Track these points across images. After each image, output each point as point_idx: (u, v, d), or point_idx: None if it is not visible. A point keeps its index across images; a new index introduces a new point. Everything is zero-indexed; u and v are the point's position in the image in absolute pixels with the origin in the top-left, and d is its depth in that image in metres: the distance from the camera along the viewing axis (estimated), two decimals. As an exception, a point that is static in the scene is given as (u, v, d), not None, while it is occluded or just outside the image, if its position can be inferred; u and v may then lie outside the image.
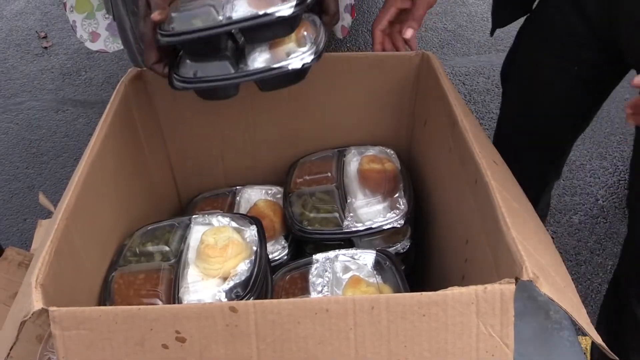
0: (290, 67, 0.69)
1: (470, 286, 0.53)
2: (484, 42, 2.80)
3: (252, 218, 0.77)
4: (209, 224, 0.75)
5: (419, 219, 0.90)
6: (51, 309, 0.50)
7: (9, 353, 0.53)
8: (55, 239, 0.58)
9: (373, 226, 0.81)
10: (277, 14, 0.66)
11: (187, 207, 0.99)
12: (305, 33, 0.71)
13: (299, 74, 0.73)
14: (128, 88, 0.83)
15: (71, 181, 0.66)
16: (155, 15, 0.67)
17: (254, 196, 0.94)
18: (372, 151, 0.95)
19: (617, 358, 0.58)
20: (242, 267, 0.67)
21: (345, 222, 0.82)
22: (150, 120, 0.89)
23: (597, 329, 1.18)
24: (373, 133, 0.98)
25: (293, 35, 0.71)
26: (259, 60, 0.70)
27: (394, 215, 0.83)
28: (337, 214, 0.84)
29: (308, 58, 0.69)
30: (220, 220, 0.75)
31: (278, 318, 0.52)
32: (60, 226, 0.60)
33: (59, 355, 0.52)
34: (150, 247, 0.74)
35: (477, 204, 0.70)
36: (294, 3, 0.66)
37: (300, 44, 0.71)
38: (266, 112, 0.94)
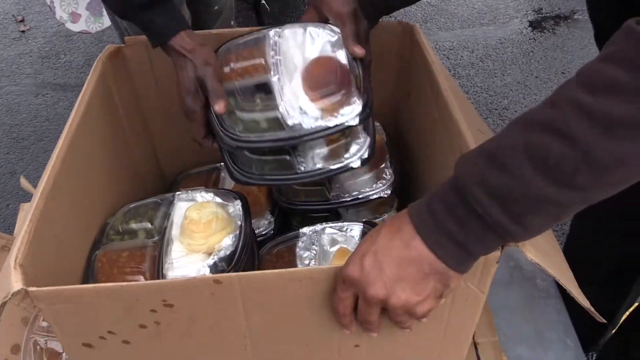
0: (350, 166, 0.69)
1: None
2: (468, 16, 2.79)
3: (236, 193, 0.76)
4: (193, 200, 0.74)
5: (405, 189, 0.90)
6: (30, 289, 0.49)
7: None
8: (34, 219, 0.57)
9: (360, 196, 0.80)
10: (347, 124, 0.65)
11: (171, 185, 0.98)
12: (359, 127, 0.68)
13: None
14: (106, 65, 0.81)
15: (50, 161, 0.64)
16: (220, 108, 0.68)
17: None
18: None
19: (604, 321, 0.58)
20: (226, 242, 0.67)
21: (332, 194, 0.81)
22: (130, 97, 0.87)
23: (610, 345, 1.14)
24: None
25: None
26: (318, 157, 0.69)
27: (381, 185, 0.83)
28: (323, 186, 0.83)
29: (365, 154, 0.68)
30: (203, 196, 0.74)
31: (264, 286, 0.51)
32: (39, 206, 0.58)
33: (51, 322, 0.52)
34: (133, 225, 0.73)
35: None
36: (359, 110, 0.64)
37: (354, 136, 0.69)
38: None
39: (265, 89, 0.68)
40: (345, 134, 0.70)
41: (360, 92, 0.67)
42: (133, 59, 0.85)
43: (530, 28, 2.68)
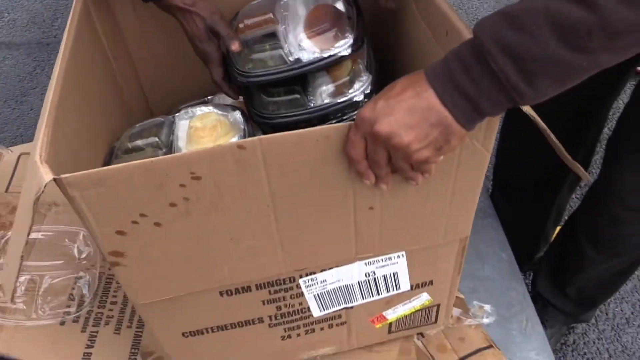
0: (354, 100, 0.74)
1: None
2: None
3: (233, 106, 0.79)
4: (193, 115, 0.77)
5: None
6: (63, 176, 0.52)
7: (28, 233, 0.54)
8: (48, 131, 0.56)
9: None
10: (340, 54, 0.73)
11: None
12: (360, 65, 0.75)
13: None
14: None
15: (46, 98, 0.62)
16: (236, 47, 0.77)
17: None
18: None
19: (589, 178, 0.63)
20: (233, 143, 0.69)
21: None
22: (113, 33, 0.88)
23: (545, 259, 1.26)
24: None
25: (350, 65, 0.75)
26: (325, 94, 0.75)
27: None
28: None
29: (367, 89, 0.74)
30: (203, 109, 0.77)
31: (283, 147, 0.55)
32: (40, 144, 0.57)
33: (84, 211, 0.54)
34: (140, 142, 0.75)
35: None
36: (351, 42, 0.73)
37: (356, 74, 0.75)
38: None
39: (273, 36, 0.77)
40: (348, 72, 0.76)
41: (352, 28, 0.75)
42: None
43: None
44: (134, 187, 0.54)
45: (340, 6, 0.79)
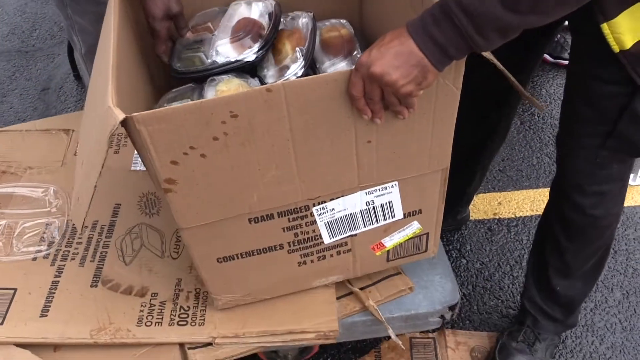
0: (244, 60, 0.94)
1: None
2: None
3: (251, 74, 0.94)
4: (220, 81, 0.93)
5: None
6: (134, 114, 0.67)
7: (102, 165, 0.68)
8: (112, 86, 0.72)
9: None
10: (245, 60, 0.92)
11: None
12: (297, 49, 0.94)
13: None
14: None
15: (106, 70, 0.77)
16: (183, 35, 1.01)
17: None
18: (327, 23, 1.11)
19: (543, 108, 0.80)
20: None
21: None
22: (138, 23, 1.02)
23: (530, 259, 1.36)
24: (324, 9, 1.15)
25: (289, 47, 0.95)
26: (270, 74, 0.96)
27: None
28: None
29: (300, 71, 0.92)
30: (227, 77, 0.93)
31: (300, 89, 0.72)
32: (111, 88, 0.72)
33: (147, 144, 0.69)
34: (175, 104, 0.90)
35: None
36: (256, 49, 0.93)
37: (294, 58, 0.94)
38: None
39: (203, 42, 0.97)
40: (287, 59, 0.95)
41: (263, 38, 0.94)
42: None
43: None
44: (186, 123, 0.70)
45: (262, 19, 0.98)
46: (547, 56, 2.25)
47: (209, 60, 0.93)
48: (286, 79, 0.89)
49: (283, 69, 0.93)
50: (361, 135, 0.81)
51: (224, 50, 0.93)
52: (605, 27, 0.88)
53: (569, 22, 1.04)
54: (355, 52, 1.06)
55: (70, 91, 2.30)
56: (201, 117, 0.70)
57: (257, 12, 1.00)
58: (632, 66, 0.91)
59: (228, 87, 0.89)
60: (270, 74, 0.96)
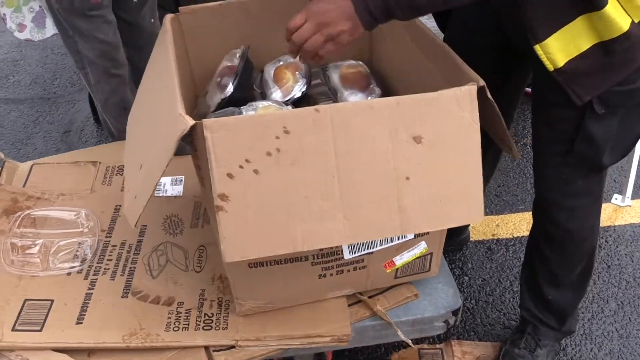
0: (296, 97, 1.14)
1: (451, 88, 0.88)
2: None
3: (285, 102, 1.06)
4: (257, 107, 1.04)
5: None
6: (204, 121, 0.77)
7: (167, 165, 0.79)
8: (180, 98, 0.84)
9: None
10: (227, 95, 1.14)
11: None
12: (297, 73, 1.15)
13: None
14: (173, 23, 1.11)
15: (172, 88, 0.90)
16: None
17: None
18: (346, 63, 1.27)
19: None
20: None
21: None
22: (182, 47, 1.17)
23: (522, 275, 1.46)
24: (345, 51, 1.29)
25: (291, 75, 1.15)
26: (277, 96, 1.16)
27: (373, 97, 1.16)
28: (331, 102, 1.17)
29: (304, 88, 1.15)
30: (264, 103, 1.05)
31: (343, 113, 0.83)
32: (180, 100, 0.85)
33: (210, 149, 0.79)
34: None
35: (437, 67, 1.05)
36: (231, 90, 1.13)
37: (296, 80, 1.15)
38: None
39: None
40: (290, 82, 1.18)
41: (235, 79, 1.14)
42: (184, 21, 1.16)
43: None
44: (245, 133, 0.80)
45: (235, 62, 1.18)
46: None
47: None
48: (292, 97, 1.05)
49: (288, 89, 1.10)
50: (400, 169, 0.86)
51: (212, 95, 1.14)
52: (537, 48, 0.98)
53: (517, 46, 1.13)
54: (372, 86, 1.19)
55: (90, 133, 2.46)
56: (257, 129, 0.79)
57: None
58: (566, 83, 1.01)
59: (266, 111, 1.00)
60: (278, 95, 1.10)
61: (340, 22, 0.89)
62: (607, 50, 0.97)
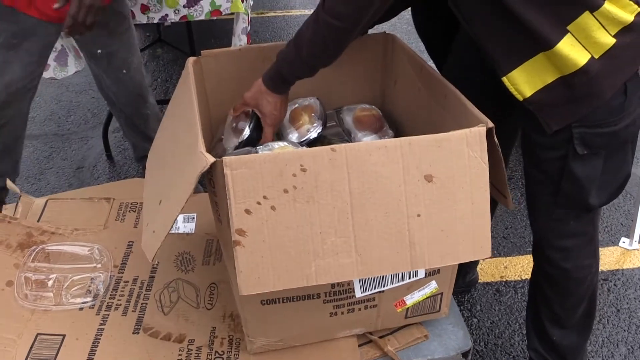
0: (311, 138, 1.21)
1: (461, 129, 0.91)
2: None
3: (298, 143, 1.10)
4: (273, 147, 1.08)
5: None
6: (225, 158, 0.80)
7: (186, 201, 0.81)
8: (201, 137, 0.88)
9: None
10: (244, 139, 1.18)
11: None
12: (313, 114, 1.21)
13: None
14: (194, 66, 1.16)
15: (194, 127, 0.94)
16: None
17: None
18: (359, 106, 1.32)
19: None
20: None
21: None
22: (202, 89, 1.21)
23: (527, 317, 1.43)
24: (358, 95, 1.36)
25: (307, 117, 1.20)
26: (293, 137, 1.22)
27: (386, 138, 1.20)
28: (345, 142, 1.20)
29: (320, 129, 1.21)
30: (280, 144, 1.09)
31: (358, 152, 0.86)
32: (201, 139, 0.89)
33: (229, 186, 0.81)
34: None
35: (446, 110, 1.08)
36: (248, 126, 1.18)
37: (312, 122, 1.20)
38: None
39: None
40: (306, 124, 1.24)
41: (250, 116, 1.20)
42: (205, 63, 1.22)
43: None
44: (264, 171, 0.83)
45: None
46: None
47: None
48: (308, 138, 1.11)
49: (304, 130, 1.16)
50: (411, 207, 0.90)
51: (228, 139, 1.20)
52: (504, 80, 1.03)
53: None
54: (385, 128, 1.23)
55: (102, 169, 2.50)
56: (276, 167, 0.83)
57: None
58: (537, 112, 1.05)
59: (283, 151, 1.03)
60: (294, 136, 1.14)
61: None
62: (568, 84, 1.00)
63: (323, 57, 1.07)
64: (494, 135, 0.92)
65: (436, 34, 1.55)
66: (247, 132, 1.16)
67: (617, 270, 1.92)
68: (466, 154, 0.91)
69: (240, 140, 1.16)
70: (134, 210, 1.53)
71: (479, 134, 0.91)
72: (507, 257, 1.97)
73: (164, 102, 2.24)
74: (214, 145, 1.25)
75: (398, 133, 1.29)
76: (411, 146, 0.88)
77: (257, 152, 1.07)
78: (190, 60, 1.17)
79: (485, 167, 0.92)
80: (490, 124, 0.93)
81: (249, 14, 2.14)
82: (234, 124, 1.20)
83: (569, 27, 0.95)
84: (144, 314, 1.23)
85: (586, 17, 0.94)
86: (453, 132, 0.90)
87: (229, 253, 0.91)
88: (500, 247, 2.01)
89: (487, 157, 0.92)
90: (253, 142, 1.16)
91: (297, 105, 1.26)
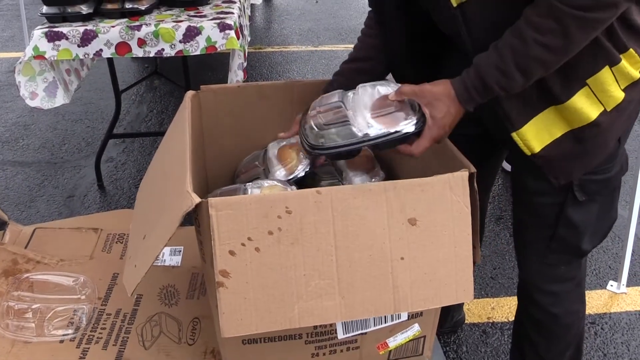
0: (299, 176, 1.15)
1: (445, 174, 0.92)
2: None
3: (289, 182, 1.11)
4: (261, 186, 1.08)
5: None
6: (210, 199, 0.81)
7: (169, 238, 0.82)
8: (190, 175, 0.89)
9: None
10: (404, 131, 0.98)
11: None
12: (301, 153, 1.13)
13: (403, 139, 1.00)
14: (193, 101, 1.18)
15: (183, 164, 0.94)
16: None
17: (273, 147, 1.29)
18: None
19: None
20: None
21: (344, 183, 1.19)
22: (198, 120, 1.23)
23: (512, 350, 1.42)
24: None
25: (295, 155, 1.18)
26: (281, 175, 1.15)
27: (377, 179, 1.22)
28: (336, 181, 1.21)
29: (307, 168, 1.14)
30: (270, 182, 1.09)
31: (343, 195, 0.87)
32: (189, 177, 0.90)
33: (214, 227, 0.82)
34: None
35: (434, 153, 1.10)
36: (414, 121, 0.98)
37: (300, 160, 1.17)
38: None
39: (342, 120, 1.02)
40: (294, 162, 1.19)
41: (414, 110, 1.01)
42: (203, 97, 1.25)
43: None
44: (249, 213, 0.84)
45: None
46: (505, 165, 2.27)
47: (360, 134, 0.98)
48: (296, 176, 1.10)
49: (292, 168, 1.14)
50: (395, 250, 0.90)
51: (375, 124, 0.98)
52: (514, 135, 1.04)
53: (495, 135, 1.19)
54: (376, 169, 1.25)
55: (93, 199, 2.50)
56: (261, 209, 0.83)
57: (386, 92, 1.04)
58: (544, 168, 1.07)
59: (271, 191, 1.04)
60: (282, 174, 1.14)
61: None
62: (577, 138, 1.02)
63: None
64: (474, 180, 0.93)
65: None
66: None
67: (605, 313, 1.91)
68: (449, 198, 0.92)
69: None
70: (121, 241, 1.53)
71: (461, 179, 0.93)
72: (495, 298, 1.96)
73: (158, 134, 2.26)
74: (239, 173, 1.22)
75: (389, 174, 1.30)
76: (396, 190, 0.89)
77: (246, 189, 1.08)
78: (189, 94, 1.19)
79: (467, 211, 0.94)
80: (473, 169, 0.94)
81: (246, 50, 2.18)
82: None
83: (587, 81, 0.98)
84: (124, 348, 1.22)
85: (605, 72, 0.98)
86: (436, 177, 0.91)
87: (212, 292, 0.91)
88: (488, 288, 2.01)
89: (469, 201, 0.94)
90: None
91: (284, 142, 1.27)
